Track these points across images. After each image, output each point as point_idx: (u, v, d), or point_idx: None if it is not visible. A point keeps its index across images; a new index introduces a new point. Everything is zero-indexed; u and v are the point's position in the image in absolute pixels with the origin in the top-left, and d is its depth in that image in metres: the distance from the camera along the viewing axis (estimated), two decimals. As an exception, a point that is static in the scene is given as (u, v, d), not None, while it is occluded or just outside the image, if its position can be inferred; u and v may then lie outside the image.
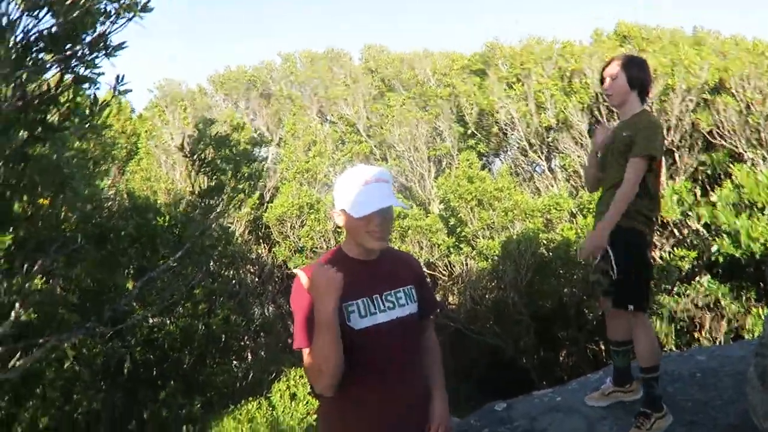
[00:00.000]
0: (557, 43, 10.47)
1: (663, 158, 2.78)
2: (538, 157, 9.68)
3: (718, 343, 6.75)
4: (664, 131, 2.83)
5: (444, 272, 8.66)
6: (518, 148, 10.11)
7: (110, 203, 5.85)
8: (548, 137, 9.56)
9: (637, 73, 2.70)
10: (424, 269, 8.61)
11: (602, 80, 2.80)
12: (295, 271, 1.64)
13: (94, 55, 2.09)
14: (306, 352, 1.61)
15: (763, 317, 5.97)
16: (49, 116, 1.99)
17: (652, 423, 2.66)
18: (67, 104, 1.93)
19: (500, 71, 10.46)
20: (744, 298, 6.78)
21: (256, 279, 9.87)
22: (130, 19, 2.11)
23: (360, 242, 1.71)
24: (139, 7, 2.09)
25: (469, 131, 11.27)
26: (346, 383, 1.65)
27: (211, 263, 7.57)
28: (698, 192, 7.29)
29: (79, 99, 1.97)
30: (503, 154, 11.98)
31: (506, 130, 9.94)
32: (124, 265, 3.57)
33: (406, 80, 13.10)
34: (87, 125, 1.98)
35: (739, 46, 8.14)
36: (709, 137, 7.15)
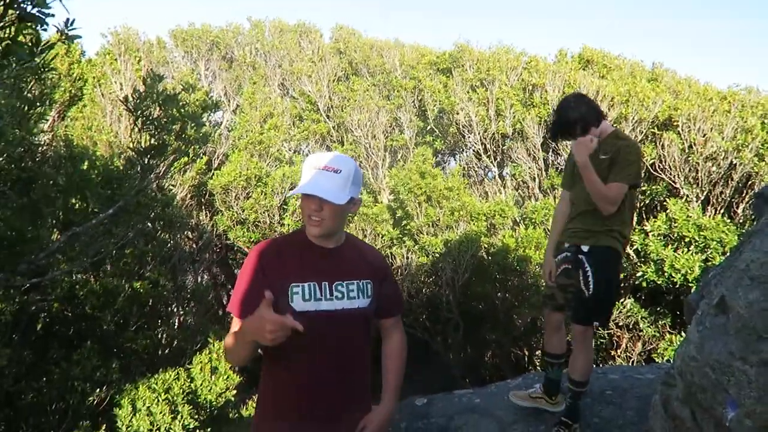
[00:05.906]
0: (525, 56, 10.67)
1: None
2: (491, 162, 9.86)
3: (631, 363, 7.16)
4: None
5: (384, 263, 8.70)
6: (473, 151, 10.26)
7: (44, 148, 5.50)
8: (503, 145, 9.75)
9: (586, 112, 2.70)
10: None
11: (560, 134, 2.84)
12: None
13: (45, -9, 1.91)
14: (233, 324, 1.68)
15: (675, 344, 6.36)
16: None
17: None
18: (6, 42, 1.75)
19: (466, 73, 10.55)
20: (660, 323, 7.20)
21: (194, 245, 9.57)
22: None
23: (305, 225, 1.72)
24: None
25: (429, 127, 11.34)
26: (279, 362, 1.69)
27: (147, 224, 7.25)
28: (635, 219, 7.65)
29: (20, 39, 1.79)
30: (458, 155, 12.14)
31: (464, 131, 10.06)
32: (48, 216, 3.32)
33: (372, 66, 12.98)
34: (25, 66, 1.82)
35: (691, 88, 8.54)
36: (651, 169, 7.48)
